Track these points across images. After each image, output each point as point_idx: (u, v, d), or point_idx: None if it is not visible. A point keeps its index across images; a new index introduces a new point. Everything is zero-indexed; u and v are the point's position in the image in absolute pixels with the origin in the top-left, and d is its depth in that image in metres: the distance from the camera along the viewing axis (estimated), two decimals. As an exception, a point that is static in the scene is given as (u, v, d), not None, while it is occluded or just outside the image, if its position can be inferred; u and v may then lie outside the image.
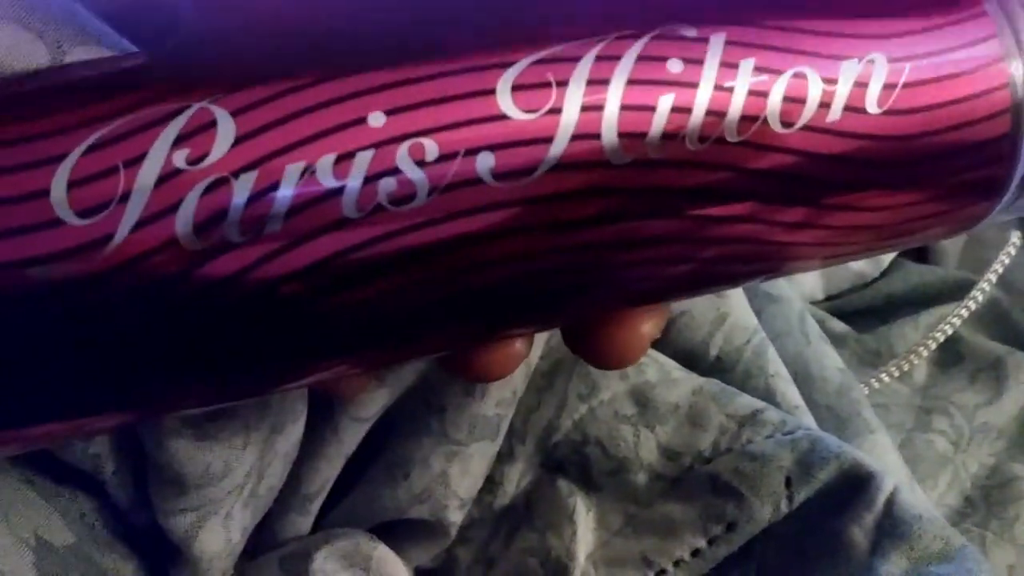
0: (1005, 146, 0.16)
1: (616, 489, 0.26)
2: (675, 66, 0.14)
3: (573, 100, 0.14)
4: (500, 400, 0.25)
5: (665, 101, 0.14)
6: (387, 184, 0.13)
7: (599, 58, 0.14)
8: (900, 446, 0.33)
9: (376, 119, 0.13)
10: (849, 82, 0.15)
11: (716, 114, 0.15)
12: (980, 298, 0.34)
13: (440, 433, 0.24)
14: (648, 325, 0.19)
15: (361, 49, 0.14)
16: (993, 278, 0.34)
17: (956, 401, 0.36)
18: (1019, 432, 0.35)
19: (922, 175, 0.16)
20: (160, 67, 0.13)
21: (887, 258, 0.41)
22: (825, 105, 0.15)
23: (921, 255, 0.42)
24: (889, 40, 0.15)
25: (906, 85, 0.15)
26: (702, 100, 0.15)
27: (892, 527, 0.24)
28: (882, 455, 0.29)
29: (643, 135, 0.14)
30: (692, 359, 0.29)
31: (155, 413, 0.16)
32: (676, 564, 0.25)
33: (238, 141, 0.13)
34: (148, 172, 0.13)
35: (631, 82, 0.14)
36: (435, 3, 0.15)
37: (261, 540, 0.25)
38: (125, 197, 0.12)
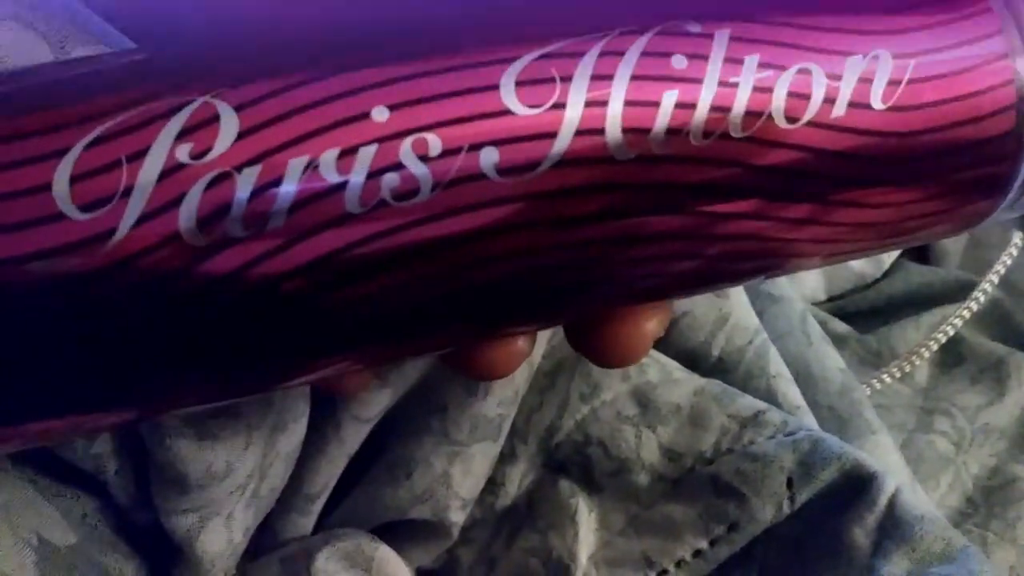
0: (1009, 143, 0.16)
1: (618, 490, 0.26)
2: (679, 62, 0.14)
3: (577, 96, 0.14)
4: (502, 400, 0.25)
5: (669, 97, 0.14)
6: (390, 179, 0.13)
7: (603, 54, 0.14)
8: (901, 447, 0.33)
9: (380, 114, 0.13)
10: (854, 78, 0.15)
11: (720, 110, 0.15)
12: (982, 299, 0.34)
13: (442, 433, 0.24)
14: (652, 323, 0.18)
15: (365, 44, 0.14)
16: (995, 279, 0.34)
17: (958, 402, 0.36)
18: (1021, 433, 0.35)
19: (926, 171, 0.16)
20: (163, 62, 0.13)
21: (889, 258, 0.40)
22: (830, 101, 0.15)
23: (923, 255, 0.42)
24: (894, 36, 0.15)
25: (910, 81, 0.15)
26: (706, 96, 0.14)
27: (894, 528, 0.24)
28: (884, 456, 0.29)
29: (647, 131, 0.14)
30: (694, 360, 0.29)
31: (156, 410, 0.16)
32: (678, 564, 0.25)
33: (241, 136, 0.13)
34: (151, 167, 0.12)
35: (635, 78, 0.14)
36: None
37: (263, 540, 0.25)
38: (128, 192, 0.12)
